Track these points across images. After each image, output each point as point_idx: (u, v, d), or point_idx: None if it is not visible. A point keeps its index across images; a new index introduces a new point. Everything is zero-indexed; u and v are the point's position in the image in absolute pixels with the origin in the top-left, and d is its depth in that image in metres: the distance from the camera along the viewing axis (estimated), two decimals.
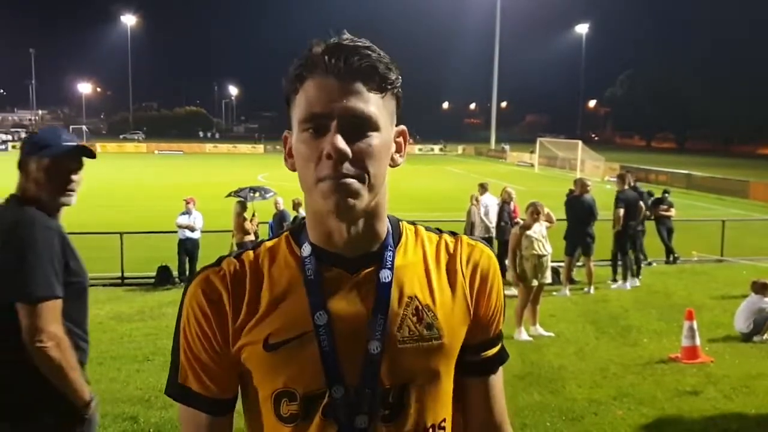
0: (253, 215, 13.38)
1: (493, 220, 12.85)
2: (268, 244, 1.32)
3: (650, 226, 13.82)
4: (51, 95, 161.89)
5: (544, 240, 8.85)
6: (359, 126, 1.18)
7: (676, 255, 14.68)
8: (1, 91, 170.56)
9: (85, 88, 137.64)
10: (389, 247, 1.29)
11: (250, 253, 1.31)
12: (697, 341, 7.60)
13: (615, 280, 12.19)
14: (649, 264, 14.03)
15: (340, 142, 1.15)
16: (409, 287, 1.28)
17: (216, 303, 1.26)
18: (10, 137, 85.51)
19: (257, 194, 15.47)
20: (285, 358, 1.22)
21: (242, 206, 13.42)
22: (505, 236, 11.41)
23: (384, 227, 1.29)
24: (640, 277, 12.40)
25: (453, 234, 1.38)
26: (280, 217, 13.65)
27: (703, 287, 11.95)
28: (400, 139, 1.29)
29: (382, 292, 1.25)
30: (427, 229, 1.37)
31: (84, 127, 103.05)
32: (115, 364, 7.66)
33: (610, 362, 7.56)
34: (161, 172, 42.86)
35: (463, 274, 1.32)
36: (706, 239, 15.80)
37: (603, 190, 22.37)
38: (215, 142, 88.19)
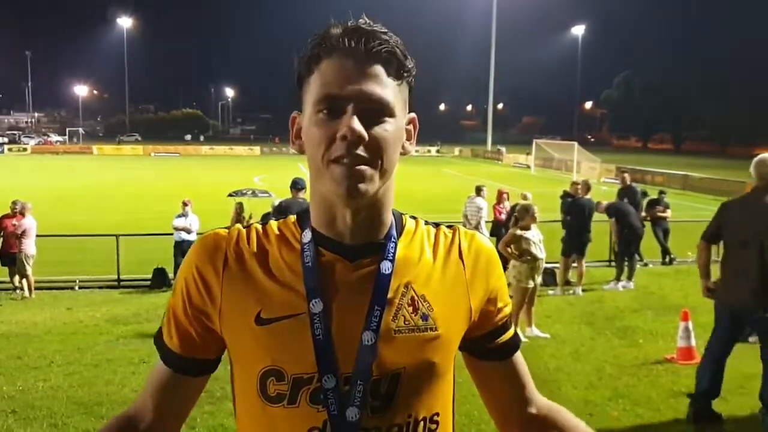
0: (250, 216, 13.46)
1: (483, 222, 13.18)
2: (276, 223, 1.32)
3: (646, 227, 13.84)
4: (47, 98, 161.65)
5: (541, 243, 8.86)
6: (375, 111, 1.16)
7: (672, 256, 14.71)
8: None
9: (81, 90, 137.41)
10: (393, 239, 1.28)
11: (259, 227, 1.31)
12: (693, 342, 7.61)
13: (619, 280, 12.19)
14: (645, 265, 14.08)
15: (357, 125, 1.13)
16: (407, 277, 1.26)
17: (213, 266, 1.26)
18: (6, 140, 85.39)
19: (256, 194, 15.88)
20: (276, 334, 1.21)
21: (241, 207, 13.61)
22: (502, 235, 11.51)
23: (389, 217, 1.29)
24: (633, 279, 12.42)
25: (450, 226, 1.37)
26: None
27: (698, 288, 11.90)
28: (410, 127, 1.29)
29: (382, 283, 1.24)
30: (426, 222, 1.37)
31: (81, 130, 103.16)
32: (111, 366, 7.65)
33: (606, 363, 7.57)
34: (158, 175, 42.81)
35: (463, 264, 1.32)
36: None
37: (599, 192, 22.35)
38: (209, 144, 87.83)
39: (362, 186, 1.16)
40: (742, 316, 5.43)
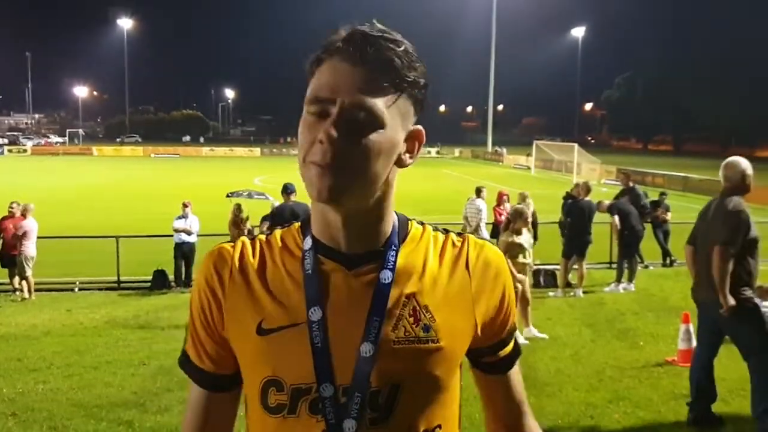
0: (247, 218, 13.49)
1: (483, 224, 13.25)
2: (280, 231, 1.32)
3: (647, 228, 13.83)
4: (47, 99, 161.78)
5: (531, 249, 8.90)
6: (361, 119, 1.12)
7: (672, 258, 14.68)
8: None
9: (81, 91, 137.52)
10: (393, 247, 1.24)
11: (263, 237, 1.31)
12: (694, 344, 7.59)
13: (619, 282, 12.18)
14: (646, 267, 14.07)
15: (334, 131, 1.11)
16: (409, 287, 1.23)
17: (219, 279, 1.27)
18: (6, 141, 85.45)
19: (252, 196, 16.00)
20: (276, 344, 1.21)
21: (239, 208, 13.67)
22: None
23: (388, 227, 1.25)
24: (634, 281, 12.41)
25: (460, 234, 1.33)
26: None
27: None
28: (412, 140, 1.23)
29: (381, 293, 1.21)
30: (435, 228, 1.33)
31: (80, 131, 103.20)
32: (111, 368, 7.63)
33: (607, 365, 7.55)
34: (158, 176, 42.82)
35: (470, 274, 1.28)
36: None
37: (600, 193, 22.34)
38: (209, 145, 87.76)
39: (333, 191, 1.13)
40: (711, 315, 5.47)
